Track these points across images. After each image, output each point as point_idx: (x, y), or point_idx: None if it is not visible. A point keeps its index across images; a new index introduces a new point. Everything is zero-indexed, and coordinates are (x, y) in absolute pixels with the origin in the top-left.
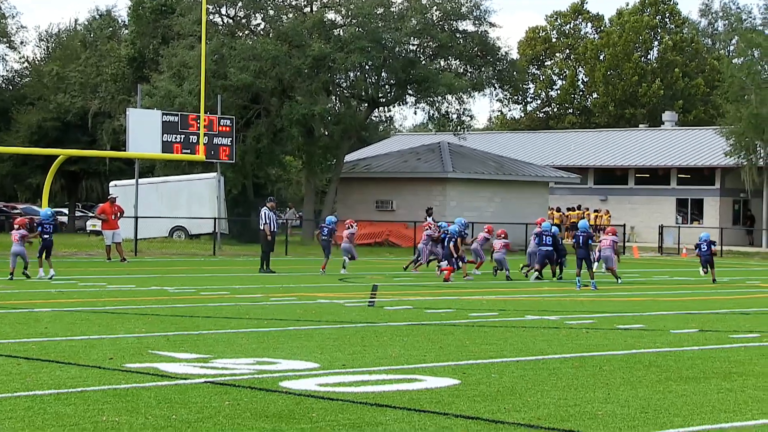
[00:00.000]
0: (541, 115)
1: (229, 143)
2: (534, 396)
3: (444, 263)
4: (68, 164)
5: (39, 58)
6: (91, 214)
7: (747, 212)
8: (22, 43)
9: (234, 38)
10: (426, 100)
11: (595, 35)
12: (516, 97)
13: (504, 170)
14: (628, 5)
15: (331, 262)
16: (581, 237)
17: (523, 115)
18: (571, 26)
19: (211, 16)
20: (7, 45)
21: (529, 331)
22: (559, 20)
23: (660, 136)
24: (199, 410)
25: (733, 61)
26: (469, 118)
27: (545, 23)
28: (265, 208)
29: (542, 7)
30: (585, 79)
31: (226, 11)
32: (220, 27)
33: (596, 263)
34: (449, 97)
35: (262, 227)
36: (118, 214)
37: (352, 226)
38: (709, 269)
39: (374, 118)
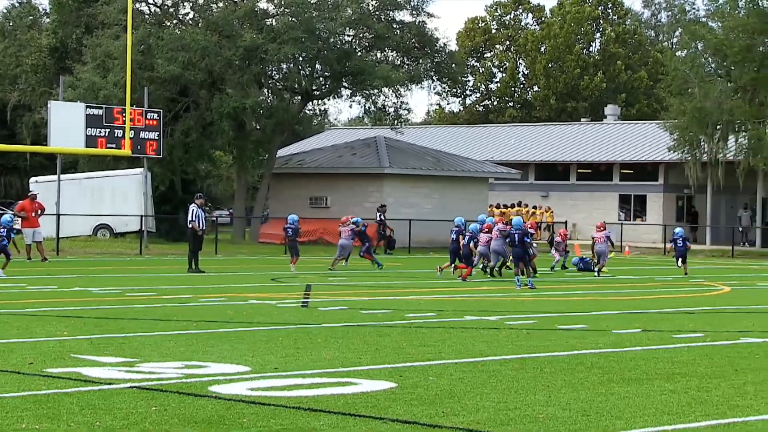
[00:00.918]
0: (480, 108)
1: (156, 137)
2: (473, 399)
3: (449, 263)
4: None
5: None
6: (10, 212)
7: (691, 209)
8: None
9: (161, 28)
10: (362, 92)
11: (536, 26)
12: (455, 90)
13: (442, 165)
14: None
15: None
16: (516, 235)
17: (462, 109)
18: (512, 17)
19: (137, 5)
20: None
21: (469, 332)
22: (499, 11)
23: (602, 130)
24: (124, 417)
25: (677, 53)
26: (406, 112)
27: (485, 14)
28: (193, 205)
29: None
30: (526, 72)
31: None
32: (147, 16)
33: (560, 259)
34: (386, 89)
35: (190, 225)
36: (39, 211)
37: (349, 222)
38: (682, 263)
39: (308, 112)
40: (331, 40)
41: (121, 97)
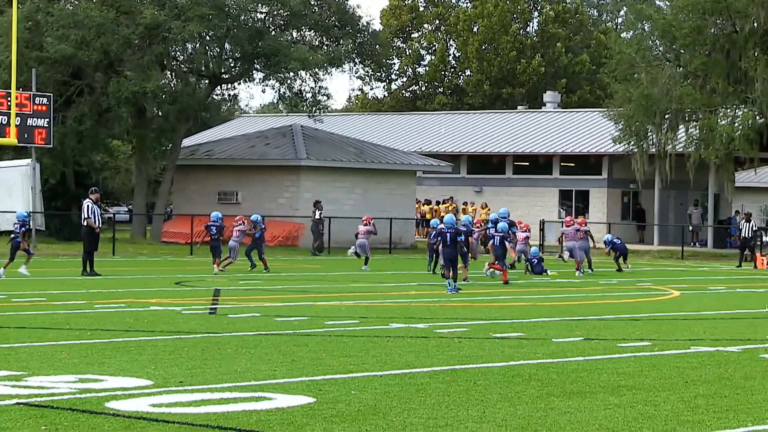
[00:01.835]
0: (407, 94)
1: (45, 125)
2: (400, 415)
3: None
4: None
5: None
6: None
7: (636, 205)
8: None
9: (51, 2)
10: (276, 76)
11: (468, 4)
12: (379, 74)
13: (365, 157)
14: None
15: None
16: (448, 234)
17: (386, 95)
18: None
19: None
20: None
21: (394, 341)
22: None
23: (541, 119)
24: None
25: (622, 35)
26: (325, 98)
27: None
28: (88, 200)
29: None
30: (457, 54)
31: None
32: None
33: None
34: (303, 73)
35: (84, 222)
36: None
37: (369, 223)
38: (624, 261)
39: (216, 97)
40: (242, 17)
41: (5, 80)
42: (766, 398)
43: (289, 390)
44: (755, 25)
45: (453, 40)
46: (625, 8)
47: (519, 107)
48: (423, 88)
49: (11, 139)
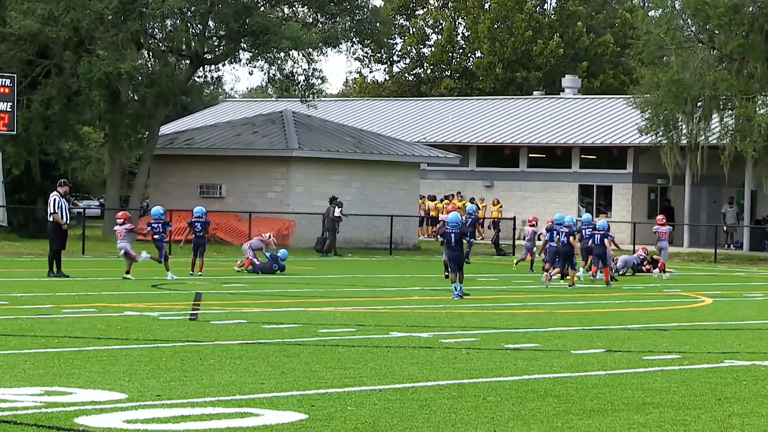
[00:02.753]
0: (410, 78)
1: (8, 109)
2: None
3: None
4: None
5: None
6: None
7: (665, 203)
8: None
9: None
10: (265, 56)
11: None
12: (379, 55)
13: (363, 147)
14: None
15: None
16: (453, 235)
17: (388, 78)
18: None
19: None
20: None
21: (395, 351)
22: None
23: (559, 106)
24: None
25: (650, 13)
26: (319, 81)
27: None
28: (55, 193)
29: None
30: (466, 34)
31: None
32: None
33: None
34: (295, 53)
35: (51, 218)
36: None
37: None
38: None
39: (198, 80)
40: None
41: None
42: None
43: (278, 405)
44: None
45: (462, 18)
46: None
47: (535, 93)
48: (428, 71)
49: None
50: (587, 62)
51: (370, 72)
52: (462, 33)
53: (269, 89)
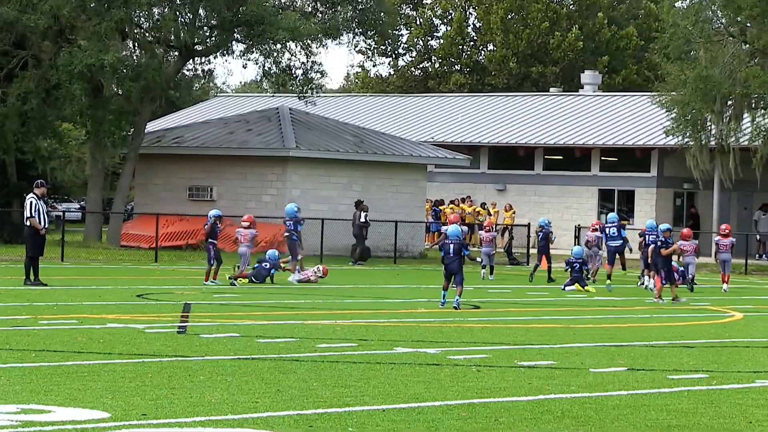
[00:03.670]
0: (417, 72)
1: None
2: None
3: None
4: None
5: None
6: None
7: (690, 209)
8: None
9: None
10: (260, 48)
11: None
12: (383, 48)
13: (366, 147)
14: None
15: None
16: (452, 246)
17: (392, 73)
18: None
19: None
20: None
21: (400, 368)
22: None
23: (577, 103)
24: None
25: (676, 4)
26: (319, 75)
27: None
28: (32, 195)
29: None
30: (477, 25)
31: None
32: None
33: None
34: (292, 45)
35: (27, 222)
36: None
37: (491, 229)
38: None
39: (188, 73)
40: None
41: None
42: None
43: (273, 426)
44: None
45: (473, 8)
46: None
47: (551, 89)
48: (436, 65)
49: None
50: (608, 57)
51: (374, 66)
52: (473, 24)
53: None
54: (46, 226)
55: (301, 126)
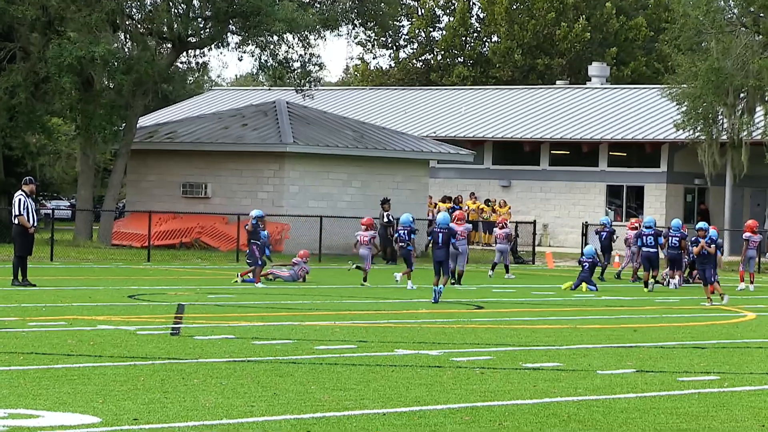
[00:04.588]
0: (419, 64)
1: None
2: None
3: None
4: None
5: None
6: None
7: (700, 205)
8: None
9: None
10: (256, 40)
11: None
12: (384, 39)
13: (366, 142)
14: None
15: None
16: (441, 234)
17: (393, 65)
18: None
19: None
20: None
21: (401, 371)
22: None
23: (584, 97)
24: None
25: None
26: (317, 68)
27: None
28: (20, 192)
29: None
30: (481, 16)
31: None
32: None
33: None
34: (289, 36)
35: (15, 220)
36: None
37: (506, 225)
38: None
39: (181, 66)
40: None
41: None
42: None
43: (270, 430)
44: None
45: None
46: None
47: (558, 82)
48: (438, 57)
49: None
50: (617, 48)
51: (374, 58)
52: (477, 14)
53: (261, 77)
54: (35, 224)
55: (298, 120)
